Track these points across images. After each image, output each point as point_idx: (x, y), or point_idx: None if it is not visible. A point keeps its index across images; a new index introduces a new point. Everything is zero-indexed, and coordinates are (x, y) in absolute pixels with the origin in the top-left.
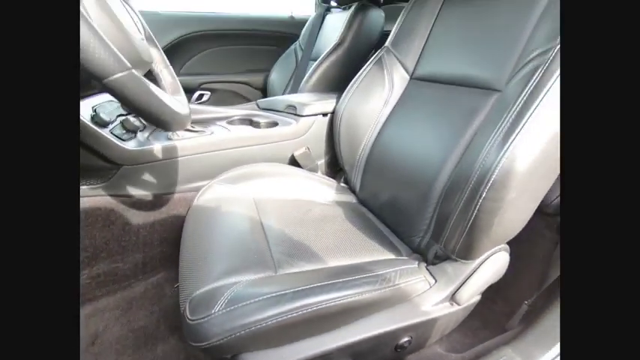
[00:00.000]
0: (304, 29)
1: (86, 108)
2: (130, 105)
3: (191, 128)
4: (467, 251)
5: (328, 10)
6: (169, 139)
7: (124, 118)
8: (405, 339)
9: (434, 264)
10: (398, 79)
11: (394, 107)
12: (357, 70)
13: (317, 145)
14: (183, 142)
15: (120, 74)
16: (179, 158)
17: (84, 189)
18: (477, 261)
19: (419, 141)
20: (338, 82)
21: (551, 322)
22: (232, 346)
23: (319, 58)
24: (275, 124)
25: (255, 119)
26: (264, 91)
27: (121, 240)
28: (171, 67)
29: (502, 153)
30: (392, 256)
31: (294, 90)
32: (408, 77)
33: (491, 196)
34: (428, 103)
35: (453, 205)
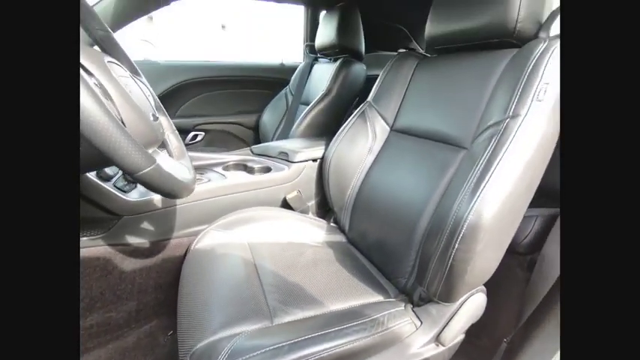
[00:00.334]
0: (294, 75)
1: None
2: (153, 190)
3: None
4: (447, 294)
5: (316, 59)
6: None
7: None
8: None
9: (419, 305)
10: (379, 130)
11: (377, 155)
12: (342, 117)
13: (308, 188)
14: None
15: (148, 169)
16: (177, 206)
17: (84, 240)
18: (457, 303)
19: (401, 186)
20: (326, 128)
21: (529, 358)
22: None
23: (309, 106)
24: (268, 169)
25: (249, 164)
26: (257, 131)
27: (117, 289)
28: (177, 131)
29: (472, 204)
30: (380, 298)
31: (286, 131)
32: (388, 129)
33: (462, 248)
34: (407, 153)
35: (433, 249)
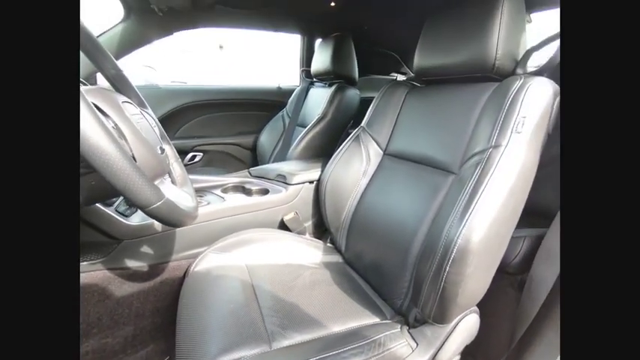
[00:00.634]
0: (291, 98)
1: None
2: (160, 222)
3: None
4: (441, 316)
5: (312, 84)
6: None
7: None
8: None
9: (414, 327)
10: (373, 154)
11: (371, 178)
12: (338, 139)
13: (305, 209)
14: None
15: (158, 203)
16: (177, 229)
17: (83, 265)
18: (452, 324)
19: (394, 208)
20: (322, 150)
21: None
22: None
23: (305, 129)
24: (266, 191)
25: (247, 186)
26: (254, 152)
27: (114, 313)
28: (180, 159)
29: (461, 229)
30: (377, 320)
31: (283, 152)
32: (381, 153)
33: (453, 271)
34: (400, 176)
35: (426, 271)
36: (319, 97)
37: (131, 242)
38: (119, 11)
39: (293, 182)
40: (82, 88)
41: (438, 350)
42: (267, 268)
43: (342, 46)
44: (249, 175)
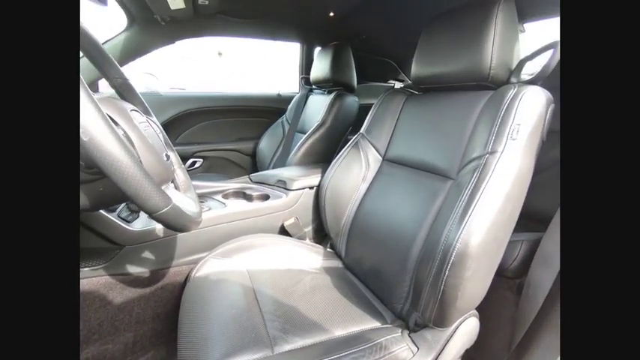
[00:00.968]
0: (290, 105)
1: None
2: (167, 227)
3: None
4: (441, 319)
5: (311, 91)
6: None
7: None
8: None
9: (415, 331)
10: (372, 159)
11: (371, 183)
12: (337, 145)
13: (305, 215)
14: None
15: (166, 208)
16: (178, 235)
17: (85, 271)
18: (451, 328)
19: (394, 214)
20: (321, 156)
21: None
22: None
23: (305, 135)
24: (267, 196)
25: (248, 192)
26: (254, 158)
27: (115, 319)
28: (183, 166)
29: (459, 233)
30: (378, 324)
31: (283, 158)
32: (380, 158)
33: (452, 274)
34: (398, 181)
35: (426, 275)
36: (318, 104)
37: (133, 248)
38: (122, 20)
39: (293, 188)
40: (96, 96)
41: (439, 354)
42: (268, 273)
43: (340, 55)
44: (249, 181)
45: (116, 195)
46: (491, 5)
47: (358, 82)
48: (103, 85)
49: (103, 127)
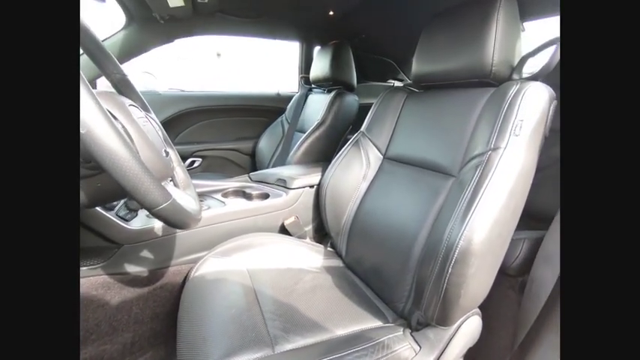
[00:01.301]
0: (290, 104)
1: None
2: (167, 223)
3: None
4: (444, 318)
5: (310, 90)
6: None
7: (127, 198)
8: None
9: (417, 330)
10: (373, 158)
11: (371, 182)
12: (337, 144)
13: (305, 214)
14: None
15: (165, 204)
16: (177, 234)
17: (83, 270)
18: (454, 326)
19: (395, 212)
20: (321, 155)
21: None
22: None
23: (305, 134)
24: (267, 195)
25: (247, 191)
26: (253, 157)
27: (113, 320)
28: (182, 163)
29: (462, 231)
30: (379, 323)
31: (282, 157)
32: (381, 157)
33: (455, 272)
34: (399, 180)
35: (428, 274)
36: (318, 103)
37: (131, 247)
38: (121, 18)
39: (293, 187)
40: (95, 91)
41: (442, 353)
42: (268, 272)
43: (340, 54)
44: (249, 180)
45: (115, 191)
46: (493, 2)
47: (358, 82)
48: (101, 84)
49: (102, 120)
